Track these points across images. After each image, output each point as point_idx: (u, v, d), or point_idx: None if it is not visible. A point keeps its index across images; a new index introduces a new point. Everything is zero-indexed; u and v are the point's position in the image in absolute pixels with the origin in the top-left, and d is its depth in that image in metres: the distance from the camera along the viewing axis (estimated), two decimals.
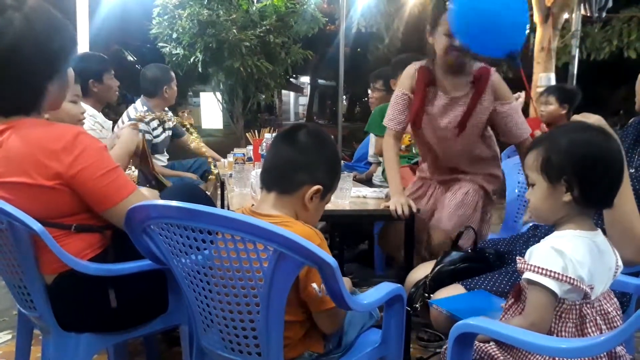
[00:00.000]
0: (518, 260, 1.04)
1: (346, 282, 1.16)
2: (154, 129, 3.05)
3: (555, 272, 0.98)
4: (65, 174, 1.17)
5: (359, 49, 9.14)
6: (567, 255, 0.98)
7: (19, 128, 1.18)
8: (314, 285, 1.03)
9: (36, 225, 1.14)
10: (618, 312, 1.07)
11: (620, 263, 1.07)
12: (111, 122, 2.70)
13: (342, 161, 4.18)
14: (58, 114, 1.46)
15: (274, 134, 2.79)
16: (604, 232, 1.10)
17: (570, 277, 0.98)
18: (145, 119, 2.34)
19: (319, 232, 1.10)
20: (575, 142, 1.03)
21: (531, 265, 1.00)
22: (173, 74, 3.21)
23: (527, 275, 1.01)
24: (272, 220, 1.07)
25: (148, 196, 1.37)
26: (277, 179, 1.17)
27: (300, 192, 1.15)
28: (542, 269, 0.99)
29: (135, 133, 1.80)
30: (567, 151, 1.02)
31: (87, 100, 2.56)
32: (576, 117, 1.25)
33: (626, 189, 1.15)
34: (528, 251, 1.05)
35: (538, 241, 1.07)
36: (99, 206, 1.23)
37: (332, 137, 1.29)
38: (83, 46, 3.86)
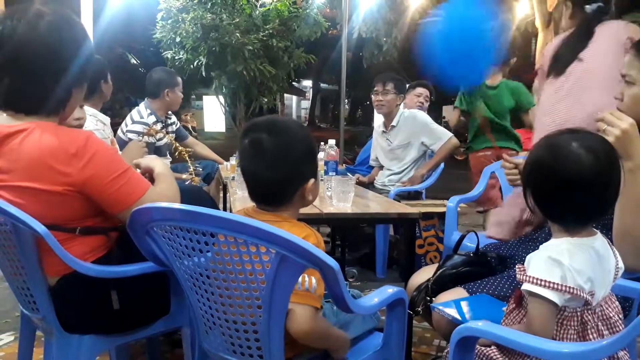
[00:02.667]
0: (517, 269, 1.04)
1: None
2: (156, 132, 3.06)
3: (554, 283, 0.96)
4: (77, 179, 1.18)
5: (361, 54, 9.17)
6: (565, 264, 0.97)
7: (32, 132, 1.19)
8: (306, 276, 1.01)
9: (40, 227, 1.14)
10: (620, 316, 1.07)
11: (620, 264, 1.07)
12: (109, 119, 2.72)
13: (344, 164, 4.20)
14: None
15: None
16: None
17: (569, 287, 0.96)
18: (155, 135, 2.33)
19: (317, 232, 1.10)
20: (537, 151, 1.02)
21: (530, 276, 0.99)
22: (179, 80, 3.22)
23: (526, 286, 1.00)
24: (274, 219, 1.09)
25: (167, 194, 1.35)
26: (270, 197, 1.14)
27: (298, 194, 1.14)
28: (541, 280, 0.97)
29: (142, 145, 1.80)
30: (529, 158, 1.03)
31: (90, 101, 2.59)
32: (608, 115, 1.20)
33: (628, 202, 1.13)
34: (527, 258, 1.03)
35: (538, 245, 1.07)
36: (113, 209, 1.25)
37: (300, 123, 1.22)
38: None
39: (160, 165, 1.47)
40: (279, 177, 1.11)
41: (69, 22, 1.25)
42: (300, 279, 1.00)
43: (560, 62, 1.88)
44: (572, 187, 0.97)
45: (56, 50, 1.21)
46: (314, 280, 1.02)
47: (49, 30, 1.20)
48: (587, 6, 1.98)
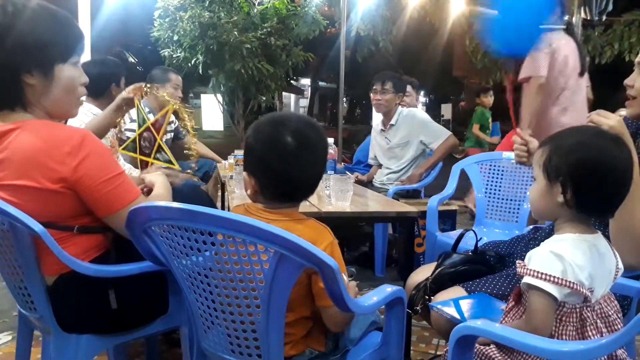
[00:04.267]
0: (518, 264, 1.04)
1: (351, 288, 1.16)
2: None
3: (554, 277, 0.97)
4: (69, 177, 1.17)
5: (357, 52, 9.16)
6: (566, 259, 0.98)
7: (25, 129, 1.18)
8: None
9: (37, 227, 1.14)
10: (619, 315, 1.07)
11: (620, 265, 1.07)
12: None
13: (342, 163, 4.19)
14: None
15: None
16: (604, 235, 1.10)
17: (569, 281, 0.97)
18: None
19: (329, 230, 1.11)
20: (578, 145, 1.02)
21: (531, 269, 1.00)
22: (171, 77, 3.18)
23: (526, 279, 1.01)
24: (281, 218, 1.10)
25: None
26: (288, 196, 1.13)
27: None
28: (542, 273, 0.98)
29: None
30: (569, 153, 1.02)
31: (97, 101, 2.59)
32: (594, 116, 1.23)
33: (635, 197, 1.13)
34: (527, 255, 1.04)
35: (538, 244, 1.07)
36: (100, 212, 1.23)
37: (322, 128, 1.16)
38: (85, 48, 3.87)
39: (161, 183, 1.46)
40: (315, 175, 1.14)
41: (18, 10, 1.17)
42: None
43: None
44: (619, 180, 1.00)
45: None
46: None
47: None
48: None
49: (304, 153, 1.10)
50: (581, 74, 2.87)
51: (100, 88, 2.55)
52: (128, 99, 1.90)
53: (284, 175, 1.10)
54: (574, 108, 2.82)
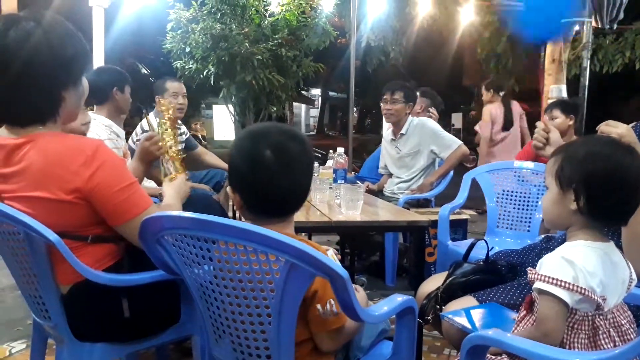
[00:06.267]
0: (529, 271, 1.04)
1: (361, 297, 1.16)
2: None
3: (565, 282, 0.97)
4: (83, 187, 1.18)
5: (366, 61, 9.19)
6: (577, 265, 0.98)
7: (38, 142, 1.20)
8: (318, 306, 1.03)
9: (52, 236, 1.16)
10: (632, 325, 1.06)
11: (634, 276, 1.07)
12: (124, 131, 2.77)
13: (352, 172, 4.20)
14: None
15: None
16: (617, 245, 1.09)
17: (581, 287, 0.97)
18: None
19: (318, 246, 1.10)
20: (591, 154, 1.02)
21: (542, 275, 1.00)
22: (169, 85, 3.17)
23: (537, 285, 1.01)
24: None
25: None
26: (274, 212, 1.10)
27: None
28: (553, 278, 0.98)
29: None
30: (581, 162, 1.02)
31: (102, 109, 2.63)
32: (603, 127, 1.24)
33: None
34: (539, 262, 1.04)
35: (550, 252, 1.07)
36: (114, 221, 1.25)
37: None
38: (99, 59, 3.94)
39: (171, 194, 1.49)
40: (301, 189, 1.11)
41: (43, 27, 1.19)
42: (321, 309, 1.00)
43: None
44: (631, 188, 1.00)
45: (29, 57, 1.16)
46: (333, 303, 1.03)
47: (18, 39, 1.16)
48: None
49: (286, 168, 1.05)
50: (503, 128, 5.08)
51: (102, 94, 2.61)
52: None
53: (265, 192, 1.06)
54: (503, 146, 5.08)
